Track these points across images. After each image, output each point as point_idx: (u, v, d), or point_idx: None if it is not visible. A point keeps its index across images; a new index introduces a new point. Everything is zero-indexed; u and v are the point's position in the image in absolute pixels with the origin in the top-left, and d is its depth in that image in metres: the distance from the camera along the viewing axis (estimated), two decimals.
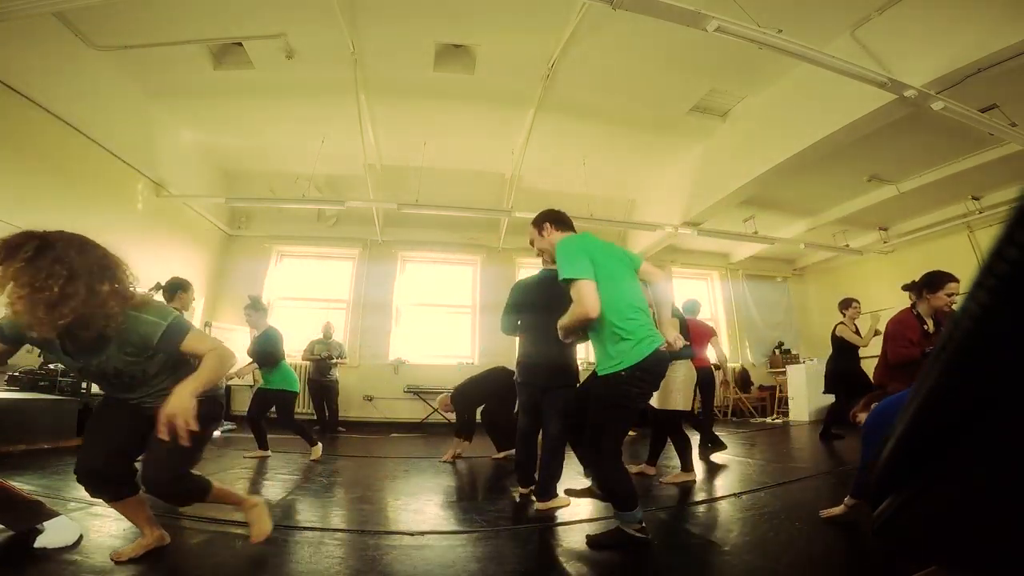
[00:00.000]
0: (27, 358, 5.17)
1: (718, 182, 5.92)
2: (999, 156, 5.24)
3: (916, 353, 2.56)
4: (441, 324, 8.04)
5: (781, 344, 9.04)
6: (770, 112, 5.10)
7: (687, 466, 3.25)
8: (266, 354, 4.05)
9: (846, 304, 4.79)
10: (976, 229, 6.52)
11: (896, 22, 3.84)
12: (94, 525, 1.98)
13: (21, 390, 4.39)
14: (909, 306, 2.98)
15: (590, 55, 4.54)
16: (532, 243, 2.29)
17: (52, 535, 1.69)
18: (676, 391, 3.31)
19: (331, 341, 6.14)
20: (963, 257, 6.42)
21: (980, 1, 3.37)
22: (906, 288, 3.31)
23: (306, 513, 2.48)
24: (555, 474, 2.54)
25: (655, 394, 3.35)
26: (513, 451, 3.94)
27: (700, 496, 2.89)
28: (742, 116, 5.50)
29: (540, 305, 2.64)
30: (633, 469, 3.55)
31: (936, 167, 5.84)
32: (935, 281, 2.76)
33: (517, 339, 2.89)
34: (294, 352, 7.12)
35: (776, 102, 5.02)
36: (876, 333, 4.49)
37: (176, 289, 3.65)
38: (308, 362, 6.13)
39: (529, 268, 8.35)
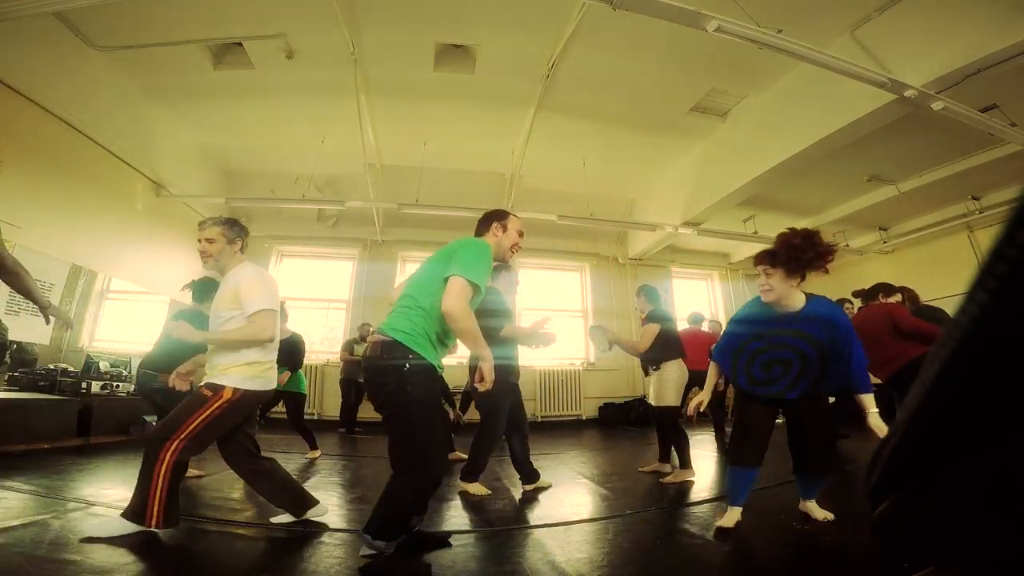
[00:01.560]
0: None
1: (718, 182, 5.92)
2: (999, 156, 5.24)
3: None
4: None
5: None
6: (770, 112, 5.10)
7: (685, 463, 3.27)
8: (289, 357, 4.10)
9: (840, 303, 4.80)
10: (976, 229, 6.52)
11: (896, 22, 3.84)
12: (93, 525, 1.98)
13: (21, 390, 4.39)
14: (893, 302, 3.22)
15: (590, 55, 4.54)
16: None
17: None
18: (669, 388, 3.35)
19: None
20: (963, 257, 6.43)
21: (980, 1, 3.37)
22: (858, 294, 3.54)
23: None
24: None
25: (651, 392, 3.44)
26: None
27: (700, 496, 2.90)
28: (742, 116, 5.50)
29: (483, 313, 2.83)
30: (647, 468, 3.58)
31: (936, 167, 5.85)
32: (890, 288, 3.35)
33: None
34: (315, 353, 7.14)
35: (776, 102, 5.02)
36: None
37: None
38: (344, 361, 6.05)
39: (529, 269, 8.36)
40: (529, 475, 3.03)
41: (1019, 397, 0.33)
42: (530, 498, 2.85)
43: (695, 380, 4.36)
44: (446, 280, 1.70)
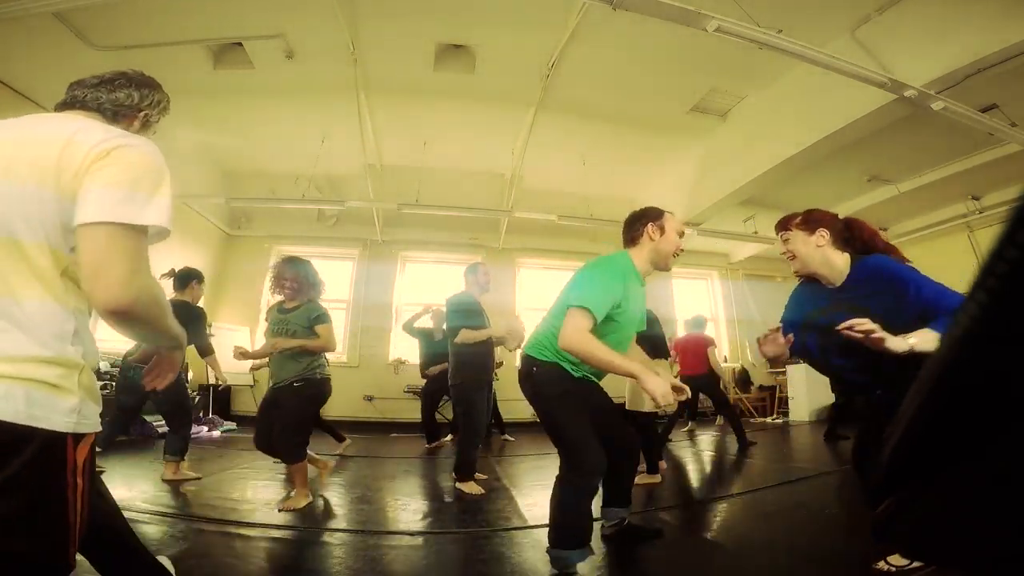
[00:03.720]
0: None
1: (718, 182, 5.92)
2: (999, 156, 5.24)
3: None
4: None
5: None
6: (770, 112, 5.09)
7: (652, 468, 3.25)
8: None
9: None
10: (976, 229, 6.52)
11: (896, 22, 3.83)
12: None
13: None
14: None
15: (590, 55, 4.53)
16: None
17: None
18: (642, 393, 3.32)
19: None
20: (963, 257, 6.42)
21: (980, 1, 3.37)
22: None
23: (306, 513, 2.48)
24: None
25: (627, 394, 3.41)
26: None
27: (700, 496, 2.90)
28: (742, 116, 5.50)
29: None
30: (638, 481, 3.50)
31: (936, 167, 5.84)
32: None
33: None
34: None
35: (776, 102, 5.02)
36: None
37: (189, 279, 3.42)
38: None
39: (529, 268, 8.36)
40: (462, 472, 3.03)
41: (1019, 397, 0.33)
42: (530, 499, 2.85)
43: (695, 385, 4.44)
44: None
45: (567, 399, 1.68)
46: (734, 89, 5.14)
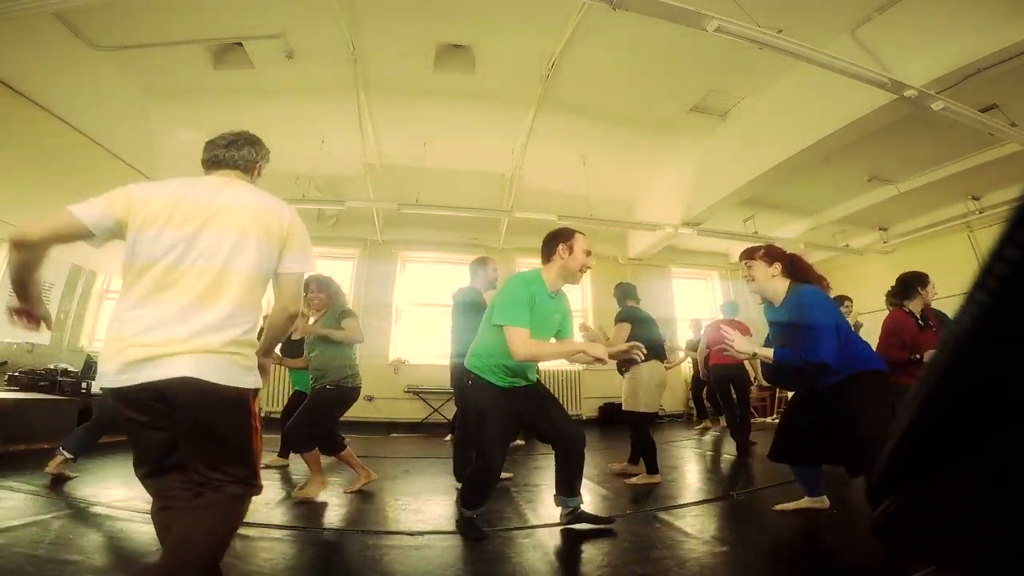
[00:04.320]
0: (27, 358, 5.18)
1: (718, 182, 5.92)
2: (999, 156, 5.23)
3: (903, 357, 2.87)
4: (441, 324, 8.02)
5: None
6: (770, 112, 5.09)
7: (652, 469, 3.26)
8: None
9: (838, 302, 4.77)
10: (976, 229, 6.51)
11: (896, 22, 3.83)
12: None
13: (21, 390, 4.39)
14: (899, 307, 3.15)
15: (590, 55, 4.53)
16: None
17: None
18: (638, 393, 3.32)
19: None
20: (963, 257, 6.42)
21: (980, 1, 3.37)
22: (891, 295, 3.44)
23: (306, 513, 2.48)
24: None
25: (623, 393, 3.43)
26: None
27: (700, 496, 2.90)
28: (742, 116, 5.50)
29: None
30: (616, 467, 3.60)
31: (936, 167, 5.84)
32: (922, 278, 3.21)
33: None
34: None
35: (776, 102, 5.02)
36: (858, 327, 4.67)
37: None
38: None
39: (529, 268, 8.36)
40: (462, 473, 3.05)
41: (1019, 397, 0.33)
42: (530, 499, 2.85)
43: (726, 375, 4.47)
44: (497, 327, 1.98)
45: (492, 414, 2.04)
46: (734, 89, 5.14)
